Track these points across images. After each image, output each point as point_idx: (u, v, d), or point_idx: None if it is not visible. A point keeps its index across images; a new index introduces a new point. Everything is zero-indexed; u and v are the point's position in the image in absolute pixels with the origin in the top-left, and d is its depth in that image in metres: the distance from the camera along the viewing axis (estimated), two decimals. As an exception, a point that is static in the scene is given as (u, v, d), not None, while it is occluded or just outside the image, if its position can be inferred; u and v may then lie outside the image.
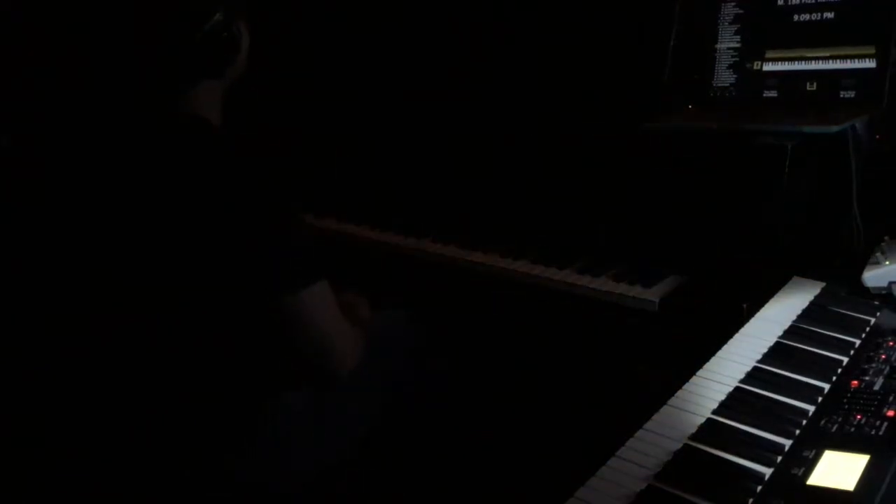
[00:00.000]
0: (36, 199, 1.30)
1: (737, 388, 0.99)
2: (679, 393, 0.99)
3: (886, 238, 1.35)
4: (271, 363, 1.19)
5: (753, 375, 1.03)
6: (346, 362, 1.18)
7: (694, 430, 0.90)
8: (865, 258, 1.30)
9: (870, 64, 1.37)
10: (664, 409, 0.96)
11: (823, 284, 1.32)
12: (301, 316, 1.11)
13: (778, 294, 1.30)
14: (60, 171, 1.24)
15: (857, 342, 1.10)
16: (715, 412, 0.94)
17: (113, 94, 1.41)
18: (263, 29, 1.27)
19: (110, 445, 1.18)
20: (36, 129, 1.66)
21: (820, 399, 0.96)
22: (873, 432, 0.85)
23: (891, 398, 0.91)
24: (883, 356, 1.03)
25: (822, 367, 1.03)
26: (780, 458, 0.83)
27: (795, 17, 1.46)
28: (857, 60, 1.38)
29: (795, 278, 1.35)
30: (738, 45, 1.53)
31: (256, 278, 1.09)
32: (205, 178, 1.08)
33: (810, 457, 0.82)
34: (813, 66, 1.43)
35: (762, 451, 0.85)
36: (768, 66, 1.49)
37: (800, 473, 0.80)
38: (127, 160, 1.14)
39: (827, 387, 0.99)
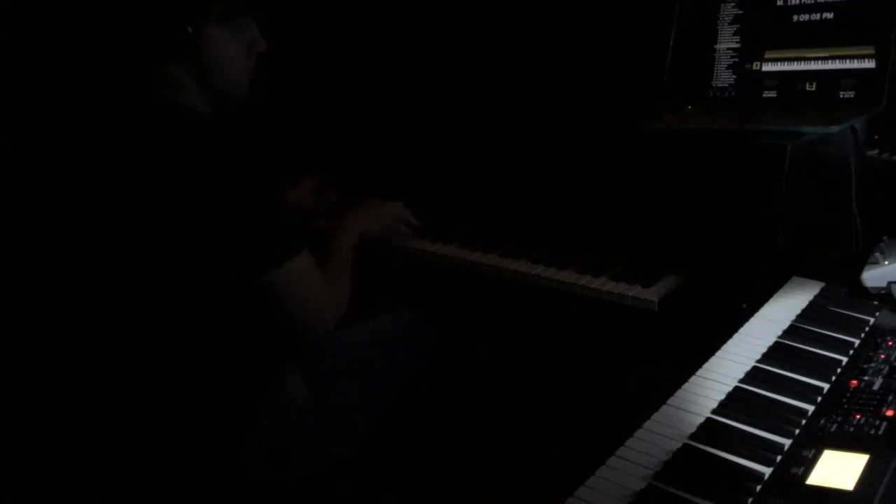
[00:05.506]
0: (14, 192, 1.32)
1: (736, 388, 1.00)
2: (678, 393, 0.99)
3: (885, 238, 1.35)
4: (266, 341, 1.22)
5: (753, 375, 1.03)
6: (337, 315, 1.27)
7: (693, 429, 0.90)
8: (864, 258, 1.30)
9: (869, 64, 1.37)
10: (664, 408, 0.96)
11: (823, 284, 1.32)
12: (290, 286, 1.16)
13: (777, 294, 1.30)
14: (36, 162, 1.27)
15: (857, 342, 1.10)
16: (714, 412, 0.94)
17: (81, 80, 1.45)
18: (275, 31, 1.28)
19: (110, 441, 1.18)
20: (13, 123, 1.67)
21: (819, 399, 0.96)
22: (873, 432, 0.85)
23: (890, 398, 0.92)
24: (882, 356, 1.03)
25: (821, 367, 1.03)
26: (779, 458, 0.83)
27: (795, 18, 1.46)
28: (856, 60, 1.38)
29: (795, 278, 1.36)
30: (737, 46, 1.53)
31: (242, 258, 1.12)
32: (176, 161, 1.10)
33: (810, 456, 0.82)
34: (812, 66, 1.43)
35: (762, 450, 0.85)
36: (768, 67, 1.50)
37: (799, 473, 0.80)
38: (101, 148, 1.16)
39: (826, 386, 0.99)
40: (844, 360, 1.06)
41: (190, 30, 1.13)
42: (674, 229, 1.42)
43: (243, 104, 1.27)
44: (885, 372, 0.99)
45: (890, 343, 1.07)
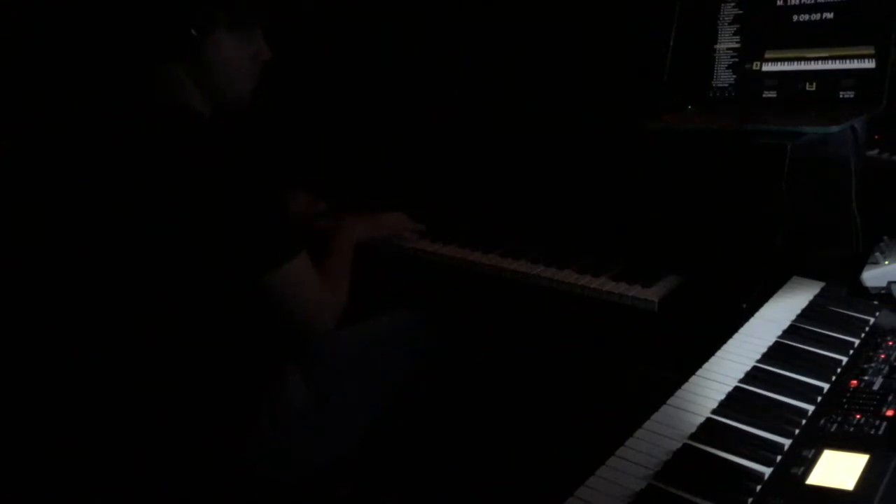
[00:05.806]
0: (14, 192, 1.32)
1: (736, 388, 1.00)
2: (678, 393, 0.99)
3: (885, 238, 1.35)
4: (266, 342, 1.22)
5: (753, 375, 1.03)
6: (336, 315, 1.28)
7: (693, 429, 0.90)
8: (864, 258, 1.30)
9: (869, 64, 1.37)
10: (664, 408, 0.96)
11: (823, 284, 1.32)
12: (289, 286, 1.17)
13: (777, 294, 1.30)
14: (36, 161, 1.27)
15: (857, 342, 1.10)
16: (714, 412, 0.94)
17: (81, 79, 1.44)
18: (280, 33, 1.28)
19: (110, 441, 1.19)
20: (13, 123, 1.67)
21: (819, 399, 0.96)
22: (872, 432, 0.85)
23: (890, 398, 0.92)
24: (882, 356, 1.03)
25: (821, 367, 1.03)
26: (779, 458, 0.83)
27: (795, 18, 1.46)
28: (856, 61, 1.38)
29: (795, 278, 1.36)
30: (737, 46, 1.53)
31: (241, 258, 1.12)
32: (176, 160, 1.11)
33: (809, 456, 0.82)
34: (812, 66, 1.43)
35: (762, 450, 0.85)
36: (768, 67, 1.50)
37: (799, 473, 0.80)
38: (100, 148, 1.16)
39: (826, 386, 0.99)
40: (844, 360, 1.06)
41: (194, 32, 1.13)
42: (674, 229, 1.42)
43: (243, 108, 1.27)
44: (885, 372, 0.99)
45: (890, 343, 1.07)
